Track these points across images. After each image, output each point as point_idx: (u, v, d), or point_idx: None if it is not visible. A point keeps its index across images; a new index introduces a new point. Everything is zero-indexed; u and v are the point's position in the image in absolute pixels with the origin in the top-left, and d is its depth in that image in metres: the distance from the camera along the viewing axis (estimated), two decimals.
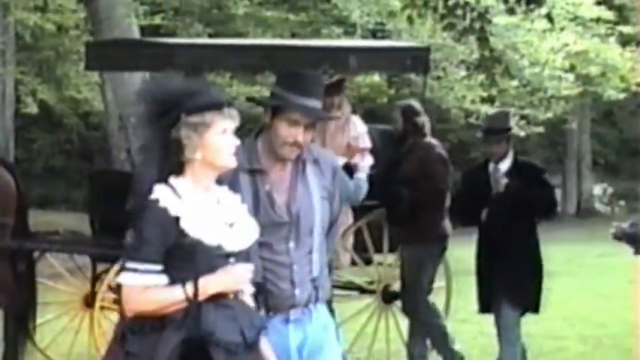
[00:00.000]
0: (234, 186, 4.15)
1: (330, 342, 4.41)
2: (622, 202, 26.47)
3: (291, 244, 4.28)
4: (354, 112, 8.99)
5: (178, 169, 3.78)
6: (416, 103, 8.61)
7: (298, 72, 4.56)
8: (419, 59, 8.93)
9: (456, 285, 9.10)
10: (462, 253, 15.14)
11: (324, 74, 8.07)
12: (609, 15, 22.34)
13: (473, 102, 21.42)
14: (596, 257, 16.36)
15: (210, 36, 20.05)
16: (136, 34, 14.39)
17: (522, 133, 22.31)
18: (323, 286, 4.37)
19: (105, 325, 8.36)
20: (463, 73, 21.28)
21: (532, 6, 21.99)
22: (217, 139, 3.78)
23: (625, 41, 22.81)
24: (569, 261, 16.66)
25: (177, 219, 3.70)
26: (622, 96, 22.56)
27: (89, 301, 8.46)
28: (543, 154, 27.94)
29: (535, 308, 7.55)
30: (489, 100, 21.63)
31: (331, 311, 4.67)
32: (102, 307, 8.21)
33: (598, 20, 22.29)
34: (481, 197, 7.45)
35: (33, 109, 20.80)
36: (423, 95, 10.35)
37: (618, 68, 22.18)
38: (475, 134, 25.84)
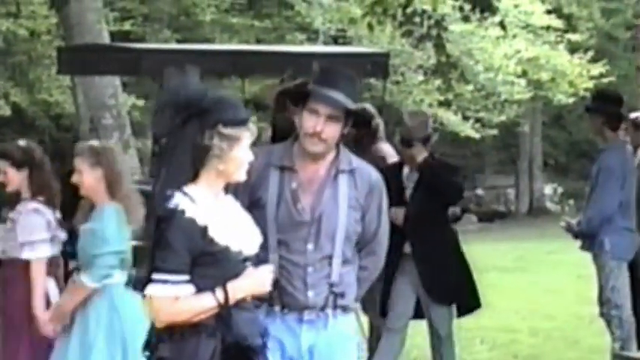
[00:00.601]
0: (263, 181, 4.09)
1: (347, 355, 4.24)
2: (571, 201, 26.62)
3: (310, 246, 4.12)
4: None
5: (195, 176, 3.65)
6: (370, 107, 8.54)
7: (330, 68, 4.42)
8: (379, 64, 8.97)
9: None
10: None
11: (287, 78, 8.02)
12: (559, 23, 22.54)
13: (430, 105, 21.51)
14: (546, 254, 16.46)
15: (179, 41, 20.02)
16: (106, 39, 14.32)
17: (477, 136, 22.49)
18: (345, 295, 4.18)
19: None
20: (421, 77, 21.38)
21: (486, 14, 22.15)
22: (242, 155, 3.67)
23: (573, 48, 23.01)
24: (521, 257, 16.75)
25: (205, 228, 3.58)
26: (571, 100, 22.73)
27: None
28: (497, 156, 28.11)
29: (473, 306, 7.13)
30: (446, 103, 21.75)
31: None
32: None
33: (548, 28, 22.48)
34: (395, 196, 7.03)
35: (6, 111, 20.66)
36: (383, 99, 10.37)
37: (567, 74, 22.38)
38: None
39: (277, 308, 4.12)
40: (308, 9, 20.60)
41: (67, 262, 8.57)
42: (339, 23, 20.41)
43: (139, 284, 3.77)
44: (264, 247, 3.91)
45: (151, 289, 3.58)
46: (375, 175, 4.30)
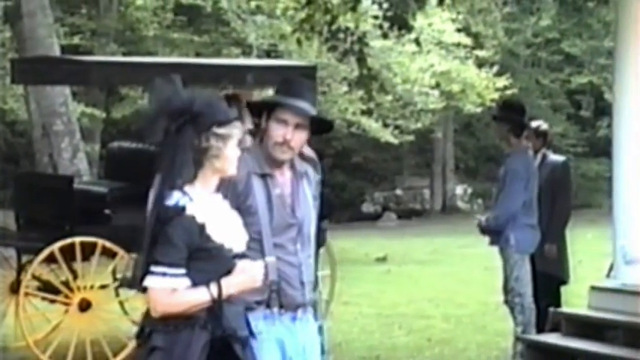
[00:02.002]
0: (248, 190, 3.93)
1: (318, 344, 4.17)
2: (480, 201, 26.87)
3: (298, 246, 4.00)
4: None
5: (193, 176, 3.57)
6: None
7: (291, 78, 4.30)
8: (307, 76, 8.92)
9: (340, 272, 9.12)
10: (346, 244, 15.25)
11: (223, 89, 7.96)
12: (467, 41, 22.82)
13: (354, 114, 21.58)
14: (458, 248, 16.59)
15: (124, 54, 19.80)
16: (57, 52, 14.14)
17: (396, 141, 22.61)
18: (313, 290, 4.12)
19: (29, 310, 8.20)
20: (345, 88, 21.42)
21: (403, 32, 22.26)
22: (234, 150, 3.62)
23: (481, 63, 23.29)
24: (436, 251, 16.87)
25: (203, 226, 3.51)
26: (479, 110, 22.98)
27: (14, 288, 8.26)
28: (414, 159, 28.27)
29: None
30: (368, 112, 21.82)
31: None
32: (26, 294, 8.03)
33: (458, 45, 22.74)
34: None
35: None
36: None
37: (475, 86, 22.63)
38: (355, 142, 25.68)
39: (275, 309, 3.94)
40: (243, 26, 20.54)
41: (20, 256, 8.47)
42: (271, 39, 20.39)
43: (134, 281, 3.63)
44: (260, 251, 3.85)
45: (149, 281, 3.49)
46: (314, 173, 4.26)
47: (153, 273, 3.49)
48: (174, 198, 3.50)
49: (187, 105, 3.55)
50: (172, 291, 3.48)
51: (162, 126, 3.54)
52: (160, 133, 3.55)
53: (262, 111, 4.06)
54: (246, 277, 3.59)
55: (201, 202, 3.55)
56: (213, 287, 3.51)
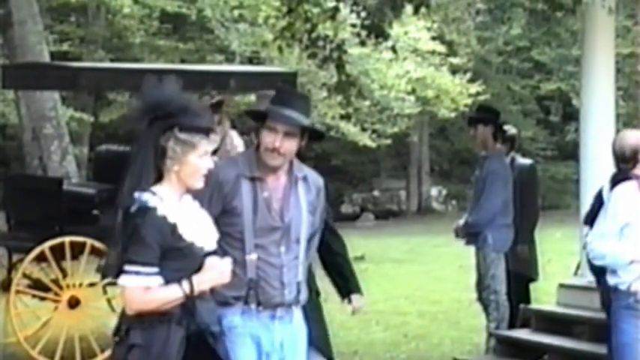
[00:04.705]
0: (235, 191, 3.96)
1: (303, 345, 4.18)
2: (454, 202, 26.95)
3: (282, 248, 4.02)
4: (234, 127, 8.91)
5: (159, 176, 3.54)
6: None
7: (285, 88, 4.39)
8: (288, 82, 8.93)
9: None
10: None
11: (207, 95, 7.94)
12: (442, 48, 22.90)
13: (333, 118, 21.62)
14: (433, 247, 16.63)
15: (112, 61, 19.74)
16: (46, 58, 14.08)
17: (373, 145, 22.65)
18: (303, 292, 4.14)
19: (20, 307, 8.17)
20: (324, 94, 21.44)
21: (380, 40, 22.30)
22: (196, 161, 3.54)
23: (454, 70, 23.36)
24: (412, 250, 16.90)
25: (174, 225, 3.50)
26: (453, 115, 23.04)
27: (6, 286, 8.23)
28: (391, 162, 28.32)
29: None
30: (347, 116, 21.86)
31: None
32: (17, 292, 8.00)
33: (433, 52, 22.80)
34: None
35: None
36: None
37: (450, 92, 22.70)
38: (334, 145, 25.72)
39: (253, 306, 3.99)
40: (226, 33, 20.53)
41: (11, 255, 8.44)
42: (253, 46, 20.39)
43: (108, 271, 3.64)
44: (241, 249, 3.88)
45: (124, 280, 3.48)
46: (319, 178, 4.29)
47: (127, 272, 3.48)
48: (145, 198, 3.47)
49: (163, 102, 3.52)
50: (146, 289, 3.47)
51: (136, 119, 3.53)
52: (135, 127, 3.53)
53: (259, 118, 4.11)
54: (215, 273, 3.59)
55: (171, 202, 3.53)
56: (185, 284, 3.51)
